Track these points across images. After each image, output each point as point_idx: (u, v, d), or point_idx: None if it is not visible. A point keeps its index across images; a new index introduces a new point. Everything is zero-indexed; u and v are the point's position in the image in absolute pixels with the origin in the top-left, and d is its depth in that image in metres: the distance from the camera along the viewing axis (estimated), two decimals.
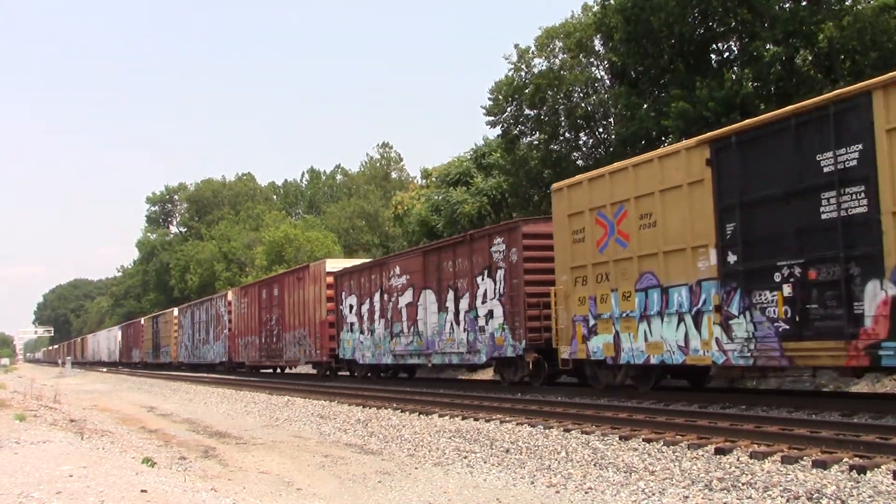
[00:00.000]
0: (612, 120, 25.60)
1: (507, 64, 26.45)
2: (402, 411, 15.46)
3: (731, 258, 11.94)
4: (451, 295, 19.49)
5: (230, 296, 37.75)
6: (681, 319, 12.82)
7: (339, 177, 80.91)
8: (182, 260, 73.80)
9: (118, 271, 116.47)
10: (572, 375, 16.84)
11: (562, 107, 25.64)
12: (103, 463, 9.18)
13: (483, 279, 18.17)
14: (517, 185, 27.53)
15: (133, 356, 59.03)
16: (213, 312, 39.60)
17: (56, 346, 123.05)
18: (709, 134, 12.76)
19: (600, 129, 26.24)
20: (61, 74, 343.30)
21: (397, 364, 23.27)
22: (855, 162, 10.28)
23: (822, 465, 7.84)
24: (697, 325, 12.52)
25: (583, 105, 25.50)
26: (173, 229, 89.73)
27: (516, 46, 26.15)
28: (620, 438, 10.35)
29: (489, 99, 27.20)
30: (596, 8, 24.49)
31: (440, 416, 14.29)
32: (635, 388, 14.59)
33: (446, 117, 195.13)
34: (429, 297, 20.51)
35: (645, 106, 22.18)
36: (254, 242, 62.42)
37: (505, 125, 26.99)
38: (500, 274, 17.59)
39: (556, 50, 25.84)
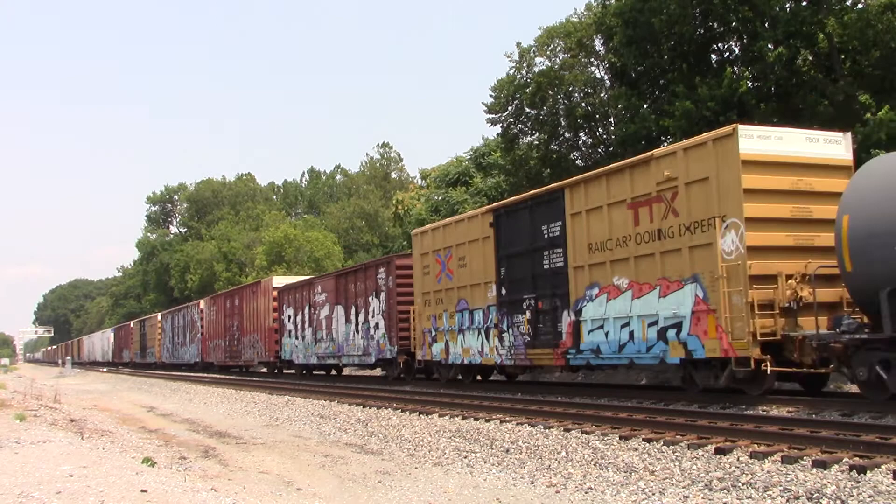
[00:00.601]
0: (611, 120, 25.62)
1: (508, 63, 26.49)
2: (402, 411, 15.46)
3: (503, 291, 17.17)
4: (353, 310, 24.51)
5: (202, 304, 42.28)
6: (479, 332, 18.07)
7: (338, 177, 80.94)
8: (182, 260, 73.80)
9: (118, 271, 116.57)
10: (422, 372, 22.23)
11: (562, 106, 25.65)
12: (103, 463, 9.18)
13: (372, 299, 23.35)
14: (517, 185, 27.54)
15: (124, 356, 63.84)
16: (189, 318, 44.40)
17: (55, 347, 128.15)
18: (492, 205, 18.61)
19: (600, 130, 26.25)
20: (61, 74, 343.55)
21: (320, 364, 28.41)
22: (557, 233, 15.55)
23: (822, 465, 7.84)
24: (488, 337, 17.83)
25: (583, 105, 25.50)
26: (173, 229, 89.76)
27: (518, 45, 26.18)
28: (620, 438, 10.35)
29: (491, 96, 27.21)
30: (596, 6, 24.49)
31: (440, 416, 14.29)
32: (463, 381, 19.83)
33: (446, 117, 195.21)
34: (340, 311, 25.56)
35: (645, 105, 22.19)
36: (254, 242, 62.43)
37: (505, 124, 27.00)
38: (382, 295, 22.75)
39: (557, 49, 25.85)
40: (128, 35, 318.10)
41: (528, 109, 26.24)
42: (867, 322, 11.04)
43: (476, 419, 13.28)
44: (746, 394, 12.48)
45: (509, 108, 26.59)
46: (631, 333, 13.79)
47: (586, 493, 7.87)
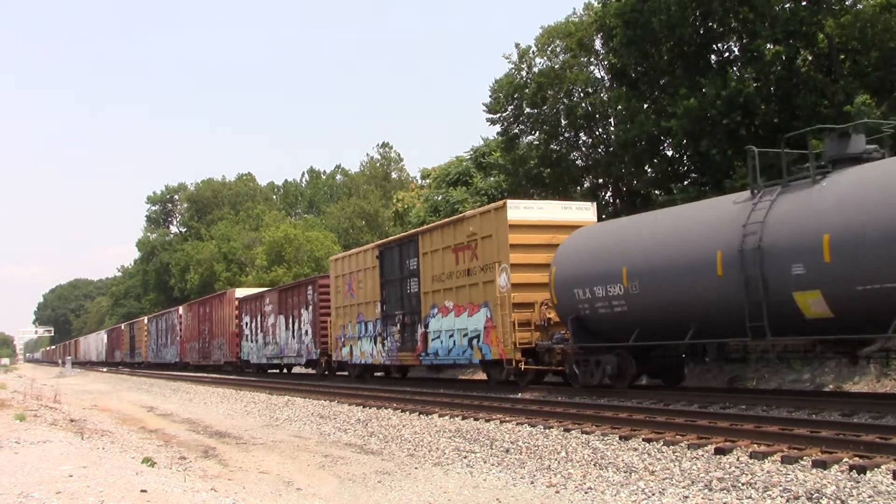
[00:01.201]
0: (611, 120, 25.61)
1: (507, 63, 26.46)
2: (402, 411, 15.46)
3: (384, 308, 22.45)
4: (291, 319, 30.12)
5: (181, 310, 47.44)
6: (371, 339, 23.26)
7: (339, 177, 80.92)
8: (182, 260, 73.81)
9: (118, 271, 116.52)
10: (341, 370, 27.20)
11: (562, 106, 25.64)
12: (103, 463, 9.18)
13: (304, 310, 28.95)
14: (516, 185, 27.53)
15: (116, 356, 68.99)
16: (170, 323, 49.43)
17: (53, 347, 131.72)
18: (378, 242, 24.37)
19: (599, 130, 26.24)
20: (61, 74, 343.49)
21: (269, 363, 33.69)
22: (415, 267, 20.74)
23: (822, 465, 7.84)
24: (375, 343, 23.00)
25: (583, 105, 25.49)
26: (173, 229, 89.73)
27: (517, 46, 26.15)
28: (620, 438, 10.35)
29: (490, 96, 27.20)
30: (597, 5, 24.46)
31: (440, 416, 14.29)
32: (364, 376, 25.39)
33: (446, 117, 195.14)
34: (281, 320, 31.05)
35: (645, 106, 22.17)
36: (254, 242, 62.44)
37: (505, 124, 26.98)
38: (310, 308, 28.29)
39: (557, 50, 25.82)
40: (128, 35, 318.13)
41: (527, 109, 26.22)
42: (568, 337, 15.89)
43: (476, 419, 13.28)
44: (518, 384, 17.46)
45: (509, 107, 26.57)
46: (454, 341, 19.05)
47: (586, 493, 7.86)
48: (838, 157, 11.92)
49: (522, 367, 16.73)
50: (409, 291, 21.06)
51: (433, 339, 19.81)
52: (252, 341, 34.32)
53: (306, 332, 28.49)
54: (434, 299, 19.79)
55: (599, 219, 18.40)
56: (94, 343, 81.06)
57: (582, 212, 18.04)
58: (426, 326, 20.05)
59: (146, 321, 57.71)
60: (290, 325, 29.99)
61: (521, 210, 17.37)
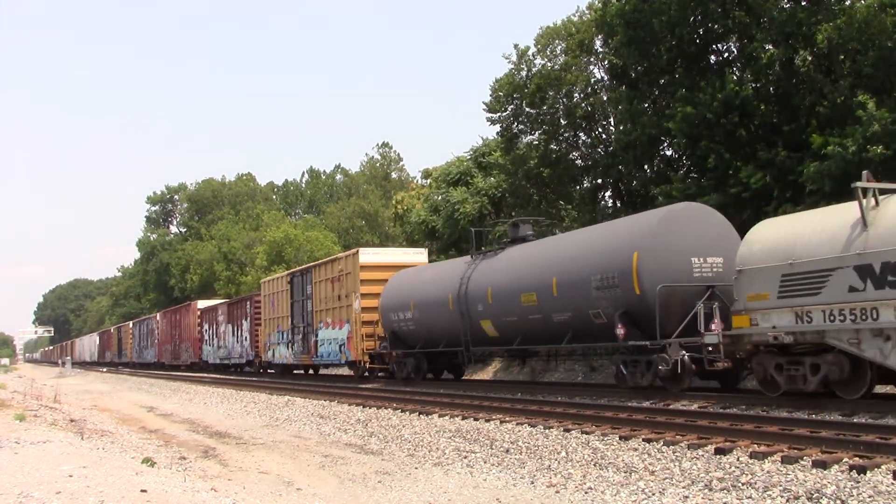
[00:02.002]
0: (611, 120, 25.59)
1: (507, 64, 26.44)
2: (402, 411, 15.45)
3: (293, 321, 28.67)
4: (235, 327, 36.96)
5: (158, 317, 54.09)
6: (285, 345, 29.49)
7: (338, 177, 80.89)
8: (182, 260, 73.80)
9: (118, 271, 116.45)
10: (272, 369, 33.27)
11: (561, 106, 25.62)
12: (103, 463, 9.18)
13: (244, 321, 35.65)
14: (516, 185, 27.51)
15: (106, 357, 74.90)
16: (150, 327, 56.28)
17: (51, 348, 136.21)
18: (289, 271, 31.10)
19: (599, 130, 26.23)
20: (61, 74, 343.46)
21: (221, 363, 39.80)
22: (311, 291, 26.89)
23: (822, 465, 7.84)
24: (287, 347, 29.22)
25: (582, 105, 25.48)
26: (173, 229, 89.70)
27: (516, 46, 26.14)
28: (620, 438, 10.34)
29: (490, 95, 27.18)
30: (598, 4, 24.44)
31: (440, 416, 14.28)
32: (284, 374, 32.24)
33: (446, 117, 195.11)
34: (230, 328, 37.91)
35: (645, 105, 22.16)
36: (254, 242, 62.45)
37: (504, 124, 26.96)
38: (248, 319, 34.91)
39: (557, 50, 25.80)
40: (128, 35, 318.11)
41: (527, 109, 26.20)
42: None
43: (476, 419, 13.28)
44: (392, 378, 23.35)
45: (509, 107, 26.54)
46: (332, 347, 25.25)
47: (586, 493, 7.86)
48: (513, 237, 19.62)
49: (367, 365, 23.93)
50: (307, 310, 27.47)
51: (321, 346, 26.28)
52: (210, 345, 41.61)
53: (246, 338, 35.46)
54: (321, 316, 26.23)
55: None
56: (88, 344, 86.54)
57: (416, 255, 25.02)
58: (316, 336, 26.56)
59: (131, 325, 64.24)
60: (235, 332, 37.04)
61: (369, 255, 24.35)
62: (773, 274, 11.86)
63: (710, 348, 12.97)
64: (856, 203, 11.02)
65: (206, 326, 42.14)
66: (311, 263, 29.67)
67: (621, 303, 14.38)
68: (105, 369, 65.79)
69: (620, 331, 14.27)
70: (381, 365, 23.61)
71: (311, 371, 32.75)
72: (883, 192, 11.22)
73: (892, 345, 10.45)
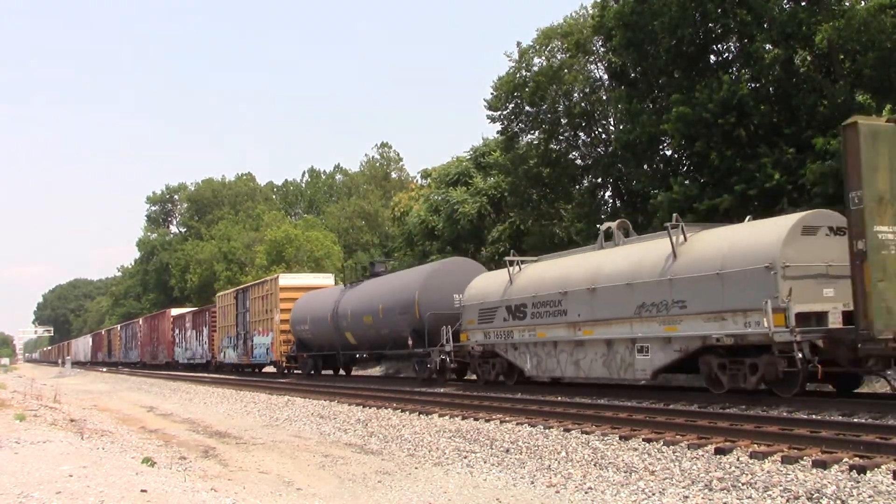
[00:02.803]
0: (610, 119, 25.60)
1: (508, 62, 26.47)
2: (402, 411, 15.46)
3: (239, 329, 35.74)
4: (198, 333, 43.81)
5: (141, 321, 61.18)
6: (232, 348, 36.49)
7: (338, 177, 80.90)
8: (182, 259, 73.82)
9: (118, 271, 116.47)
10: (224, 368, 39.35)
11: (561, 105, 25.63)
12: (103, 463, 9.18)
13: (204, 328, 42.22)
14: (516, 185, 27.51)
15: (98, 357, 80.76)
16: (134, 331, 63.13)
17: (50, 348, 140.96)
18: (235, 288, 39.42)
19: (599, 129, 26.24)
20: (61, 74, 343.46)
21: (188, 363, 46.14)
22: (248, 306, 34.49)
23: (822, 465, 7.84)
24: (235, 349, 36.08)
25: (582, 104, 25.49)
26: (173, 229, 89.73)
27: (518, 44, 26.17)
28: (620, 438, 10.35)
29: (491, 93, 27.20)
30: (595, 8, 24.45)
31: (440, 416, 14.29)
32: (232, 371, 38.44)
33: (446, 117, 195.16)
34: (194, 333, 44.85)
35: (644, 105, 22.17)
36: (254, 242, 62.48)
37: (505, 122, 26.98)
38: (207, 326, 41.44)
39: (556, 50, 25.81)
40: (128, 35, 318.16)
41: (527, 108, 26.22)
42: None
43: (476, 419, 13.28)
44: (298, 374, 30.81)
45: (509, 105, 26.57)
46: (262, 351, 32.39)
47: (586, 493, 7.86)
48: (371, 273, 27.10)
49: (285, 364, 31.31)
50: (246, 320, 34.75)
51: (255, 349, 33.52)
52: (180, 347, 48.36)
53: (205, 342, 42.15)
54: (255, 326, 33.67)
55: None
56: (82, 345, 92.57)
57: (324, 279, 33.04)
58: (252, 341, 33.87)
59: (119, 328, 71.55)
60: (198, 337, 43.79)
61: (287, 279, 32.27)
62: (475, 309, 19.18)
63: (450, 354, 20.16)
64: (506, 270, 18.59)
65: (177, 331, 49.05)
66: (249, 283, 37.81)
67: (411, 323, 21.68)
68: (105, 369, 66.28)
69: (410, 342, 21.66)
70: (295, 364, 30.91)
71: (262, 370, 38.09)
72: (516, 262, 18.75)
73: (520, 352, 17.60)
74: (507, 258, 18.93)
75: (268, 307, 32.01)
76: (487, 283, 19.41)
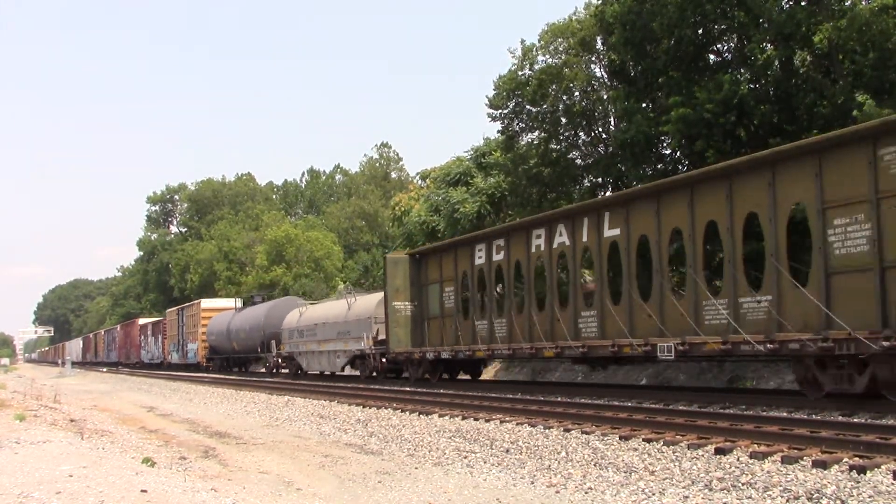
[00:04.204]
0: (610, 119, 25.58)
1: (511, 59, 26.44)
2: (402, 411, 15.45)
3: (179, 338, 49.99)
4: (156, 339, 55.08)
5: (118, 328, 72.11)
6: (176, 352, 50.45)
7: (338, 177, 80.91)
8: (182, 259, 73.83)
9: (118, 271, 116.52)
10: (172, 366, 51.10)
11: (561, 104, 25.61)
12: (103, 463, 9.18)
13: (160, 335, 53.79)
14: (516, 185, 27.49)
15: (87, 357, 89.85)
16: (114, 336, 73.60)
17: (47, 349, 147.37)
18: (177, 307, 53.24)
19: (599, 129, 26.22)
20: (62, 74, 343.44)
21: (150, 363, 56.99)
22: (185, 322, 48.58)
23: (822, 465, 7.84)
24: (177, 352, 49.74)
25: (582, 103, 25.47)
26: (173, 229, 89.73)
27: (522, 42, 26.16)
28: (620, 438, 10.34)
29: (493, 91, 27.17)
30: (596, 7, 24.44)
31: (440, 416, 14.29)
32: (179, 368, 49.97)
33: (446, 118, 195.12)
34: (154, 339, 55.78)
35: (644, 105, 22.16)
36: (254, 242, 62.48)
37: (505, 121, 26.95)
38: (161, 334, 53.46)
39: (560, 48, 25.79)
40: (128, 34, 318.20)
41: (528, 107, 26.19)
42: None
43: (476, 419, 13.28)
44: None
45: (510, 104, 26.53)
46: (192, 354, 45.36)
47: (586, 493, 7.86)
48: (252, 302, 41.08)
49: (206, 364, 42.97)
50: (183, 332, 47.50)
51: (188, 353, 45.95)
52: (144, 350, 59.52)
53: (160, 346, 54.01)
54: (188, 336, 45.96)
55: None
56: (75, 346, 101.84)
57: (230, 303, 44.80)
58: (187, 347, 46.32)
59: (103, 333, 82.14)
60: (156, 343, 55.34)
61: (206, 303, 45.80)
62: (287, 331, 31.47)
63: (278, 357, 31.98)
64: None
65: (143, 337, 60.04)
66: (185, 305, 50.36)
67: (260, 337, 35.35)
68: (105, 369, 66.71)
69: (259, 349, 35.47)
70: (210, 364, 43.36)
71: (183, 368, 48.35)
72: None
73: (302, 356, 30.03)
74: (300, 303, 34.18)
75: (195, 323, 45.00)
76: (292, 316, 31.54)
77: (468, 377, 24.31)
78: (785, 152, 12.42)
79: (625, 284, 15.11)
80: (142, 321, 61.56)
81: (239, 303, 42.77)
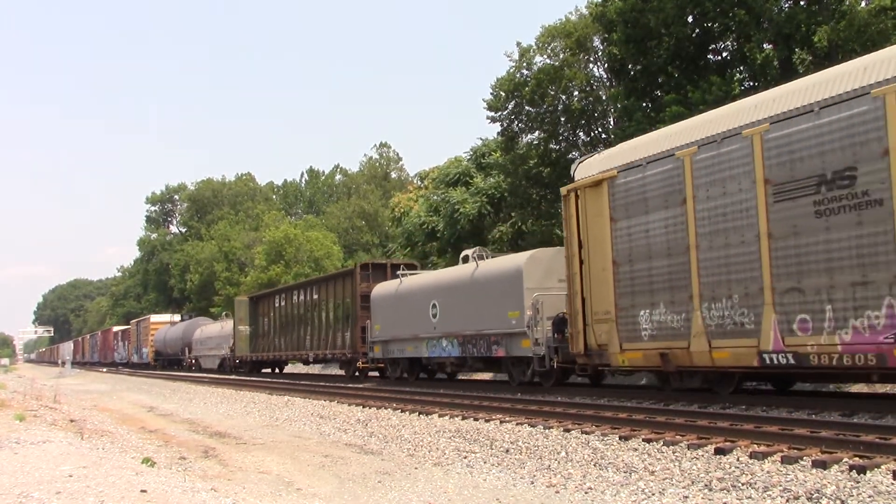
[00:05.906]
0: (610, 119, 25.59)
1: (508, 62, 26.46)
2: (402, 411, 15.45)
3: (136, 343, 64.66)
4: (125, 343, 67.56)
5: (99, 334, 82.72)
6: (136, 353, 63.60)
7: (338, 177, 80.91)
8: (182, 260, 73.83)
9: (118, 271, 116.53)
10: (132, 365, 64.06)
11: (560, 104, 25.62)
12: (103, 463, 9.18)
13: (126, 340, 67.32)
14: (516, 185, 27.50)
15: (76, 357, 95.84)
16: (97, 339, 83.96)
17: (45, 349, 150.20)
18: (136, 320, 67.60)
19: (599, 129, 26.23)
20: (62, 74, 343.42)
21: (120, 363, 68.59)
22: (141, 331, 63.01)
23: (822, 465, 7.83)
24: (136, 354, 62.98)
25: (581, 103, 25.48)
26: (173, 229, 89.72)
27: (518, 44, 26.16)
28: (620, 438, 10.34)
29: (491, 93, 27.19)
30: (596, 6, 24.44)
31: (440, 416, 14.28)
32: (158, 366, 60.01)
33: (446, 118, 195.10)
34: (123, 344, 68.76)
35: (644, 104, 22.17)
36: (254, 242, 62.47)
37: (505, 122, 26.95)
38: (128, 339, 66.43)
39: (557, 49, 25.80)
40: (128, 35, 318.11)
41: (527, 107, 26.19)
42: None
43: (476, 419, 13.27)
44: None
45: (509, 105, 26.54)
46: (145, 355, 58.52)
47: (586, 493, 7.86)
48: (185, 318, 56.78)
49: (153, 363, 56.22)
50: (140, 338, 59.53)
51: (143, 354, 57.07)
52: (116, 352, 70.51)
53: (126, 349, 65.60)
54: (143, 342, 57.16)
55: None
56: (68, 348, 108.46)
57: (175, 317, 58.25)
58: (142, 350, 58.20)
59: (89, 337, 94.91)
60: (125, 346, 66.71)
61: (154, 318, 60.23)
62: (197, 344, 49.22)
63: (197, 358, 46.82)
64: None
65: (115, 342, 71.42)
66: (140, 318, 63.18)
67: (182, 344, 50.31)
68: (105, 370, 66.77)
69: (181, 353, 50.89)
70: (156, 363, 55.34)
71: (141, 367, 59.52)
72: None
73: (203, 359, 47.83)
74: (202, 322, 48.50)
75: (147, 332, 57.93)
76: (199, 332, 46.22)
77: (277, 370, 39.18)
78: None
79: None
80: (115, 329, 75.53)
81: (177, 318, 57.42)
